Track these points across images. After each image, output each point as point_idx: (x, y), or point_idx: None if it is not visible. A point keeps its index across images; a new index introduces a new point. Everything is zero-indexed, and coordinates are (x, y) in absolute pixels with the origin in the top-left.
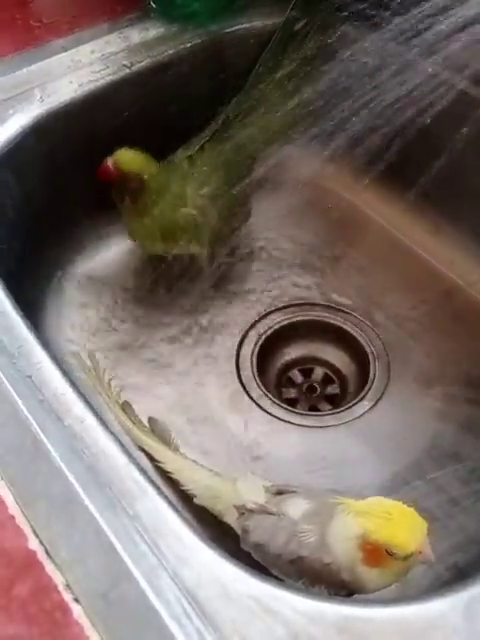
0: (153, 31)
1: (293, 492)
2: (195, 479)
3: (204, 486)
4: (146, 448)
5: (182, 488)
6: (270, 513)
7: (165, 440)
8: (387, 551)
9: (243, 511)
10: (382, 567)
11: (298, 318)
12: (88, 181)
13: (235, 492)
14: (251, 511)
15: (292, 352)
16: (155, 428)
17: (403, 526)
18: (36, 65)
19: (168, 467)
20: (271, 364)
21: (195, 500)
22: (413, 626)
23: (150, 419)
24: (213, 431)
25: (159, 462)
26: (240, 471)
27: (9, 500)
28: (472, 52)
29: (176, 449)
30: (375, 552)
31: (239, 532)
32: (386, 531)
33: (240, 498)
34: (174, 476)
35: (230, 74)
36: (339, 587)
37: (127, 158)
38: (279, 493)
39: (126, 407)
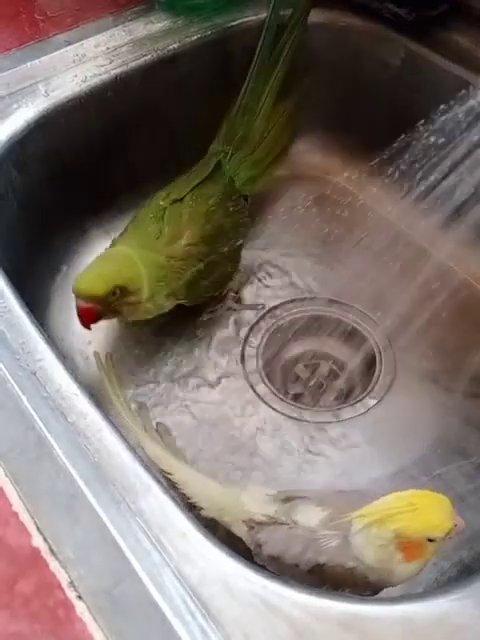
0: (158, 24)
1: (302, 498)
2: (200, 491)
3: (210, 498)
4: (153, 458)
5: (188, 500)
6: (281, 523)
7: (173, 448)
8: (428, 539)
9: (252, 525)
10: (423, 556)
11: (304, 313)
12: (92, 175)
13: (240, 505)
14: (260, 524)
15: (298, 347)
16: (163, 434)
17: (432, 509)
18: (40, 59)
19: (174, 478)
20: (277, 359)
21: (202, 512)
22: (418, 623)
23: (158, 424)
24: (218, 427)
25: (166, 473)
26: (246, 467)
27: (13, 496)
28: None
29: (183, 458)
30: (415, 545)
31: (251, 546)
32: (419, 522)
33: (246, 512)
34: (180, 487)
35: (236, 67)
36: (364, 588)
37: (91, 284)
38: (287, 499)
39: (138, 412)
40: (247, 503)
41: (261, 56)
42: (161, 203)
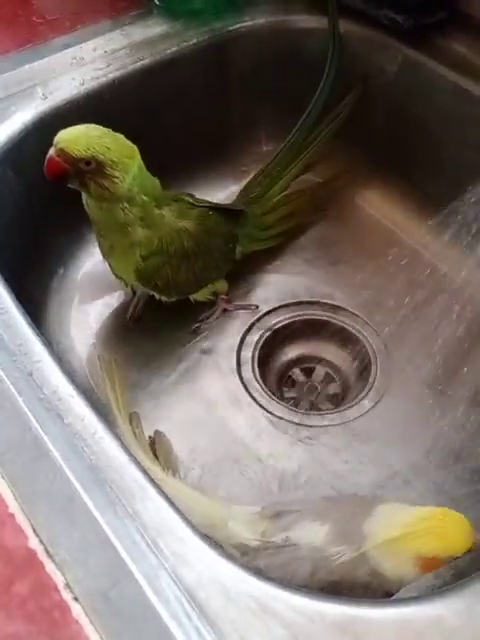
0: (156, 28)
1: (295, 513)
2: (189, 507)
3: (199, 516)
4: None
5: None
6: (280, 546)
7: (166, 458)
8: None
9: (246, 551)
10: (437, 569)
11: (300, 317)
12: None
13: (229, 531)
14: (256, 549)
15: (293, 351)
16: (158, 442)
17: (453, 530)
18: (38, 62)
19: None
20: (272, 363)
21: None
22: (412, 626)
23: (156, 432)
24: (213, 430)
25: None
26: (241, 472)
27: (9, 498)
28: None
29: (175, 470)
30: (433, 562)
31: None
32: (441, 542)
33: (235, 537)
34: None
35: (233, 72)
36: (379, 596)
37: (71, 142)
38: (276, 515)
39: (133, 418)
40: (235, 528)
41: (299, 131)
42: (182, 196)
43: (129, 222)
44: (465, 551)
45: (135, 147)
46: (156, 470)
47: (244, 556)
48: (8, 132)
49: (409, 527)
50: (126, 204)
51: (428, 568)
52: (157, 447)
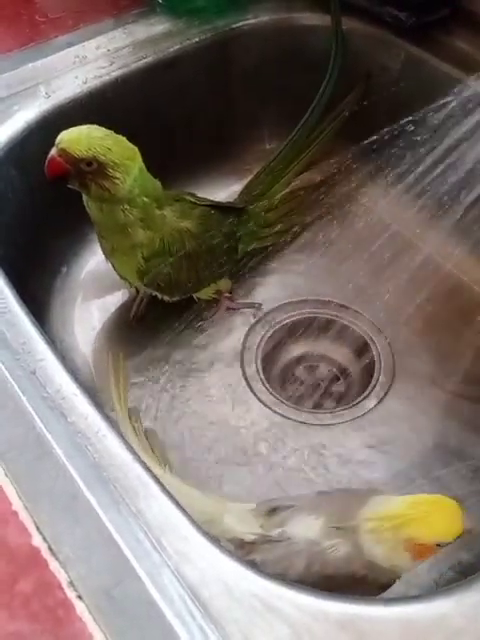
0: (159, 26)
1: (290, 507)
2: (186, 502)
3: (196, 511)
4: None
5: None
6: (275, 540)
7: (162, 455)
8: (438, 544)
9: (242, 545)
10: (430, 556)
11: (303, 315)
12: None
13: (225, 525)
14: (253, 543)
15: (297, 350)
16: (152, 441)
17: (443, 516)
18: (41, 61)
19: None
20: (276, 362)
21: None
22: (416, 625)
23: (147, 430)
24: (217, 428)
25: None
26: (243, 470)
27: (13, 496)
28: None
29: (170, 467)
30: (425, 548)
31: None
32: (432, 529)
33: (230, 531)
34: None
35: (236, 70)
36: (375, 590)
37: (73, 142)
38: (272, 511)
39: (132, 414)
40: (231, 523)
41: (302, 129)
42: (183, 196)
43: (129, 223)
44: (456, 537)
45: (136, 149)
46: (154, 467)
47: (239, 549)
48: (11, 131)
49: (399, 514)
50: (126, 205)
51: (420, 555)
52: (151, 442)
